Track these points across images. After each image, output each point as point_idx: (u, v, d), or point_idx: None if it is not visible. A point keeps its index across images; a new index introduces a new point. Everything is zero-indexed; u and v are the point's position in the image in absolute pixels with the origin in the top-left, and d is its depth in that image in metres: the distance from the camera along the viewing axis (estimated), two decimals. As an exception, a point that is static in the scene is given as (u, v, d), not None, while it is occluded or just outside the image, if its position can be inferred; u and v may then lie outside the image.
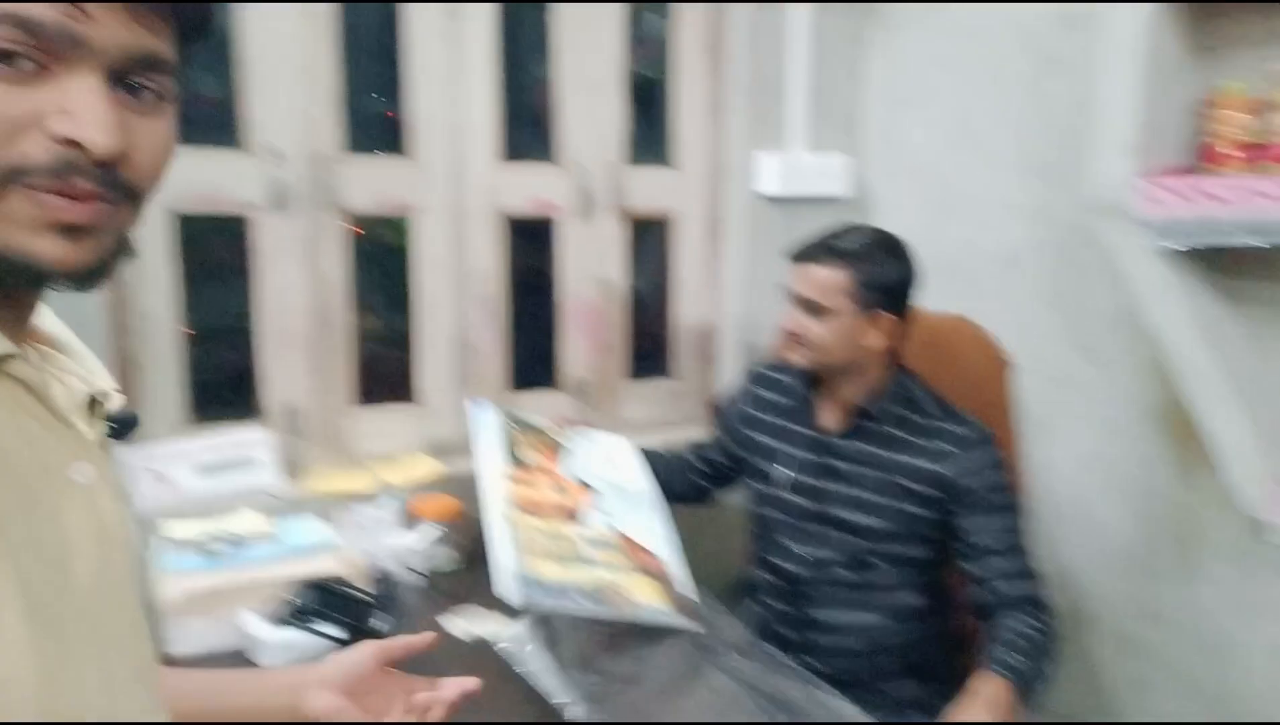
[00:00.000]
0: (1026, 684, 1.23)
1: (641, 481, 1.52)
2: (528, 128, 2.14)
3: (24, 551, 0.52)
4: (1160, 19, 1.65)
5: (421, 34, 1.82)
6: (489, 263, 1.95)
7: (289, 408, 1.78)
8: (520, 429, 1.49)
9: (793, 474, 1.55)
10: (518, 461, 1.40)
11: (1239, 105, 1.65)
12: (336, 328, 1.82)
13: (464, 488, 1.79)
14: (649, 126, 2.25)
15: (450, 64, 1.85)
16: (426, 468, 1.84)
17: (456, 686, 0.91)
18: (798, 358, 1.50)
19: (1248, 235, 1.53)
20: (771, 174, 2.13)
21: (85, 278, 0.53)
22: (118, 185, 0.51)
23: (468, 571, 1.65)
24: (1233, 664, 1.75)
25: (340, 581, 1.42)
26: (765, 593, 1.60)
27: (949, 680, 1.55)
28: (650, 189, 2.14)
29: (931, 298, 1.82)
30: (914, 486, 1.45)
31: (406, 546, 1.60)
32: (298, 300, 1.76)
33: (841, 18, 2.18)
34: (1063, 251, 1.91)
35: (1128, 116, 1.68)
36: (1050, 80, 1.91)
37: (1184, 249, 1.60)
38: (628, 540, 1.35)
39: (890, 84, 2.23)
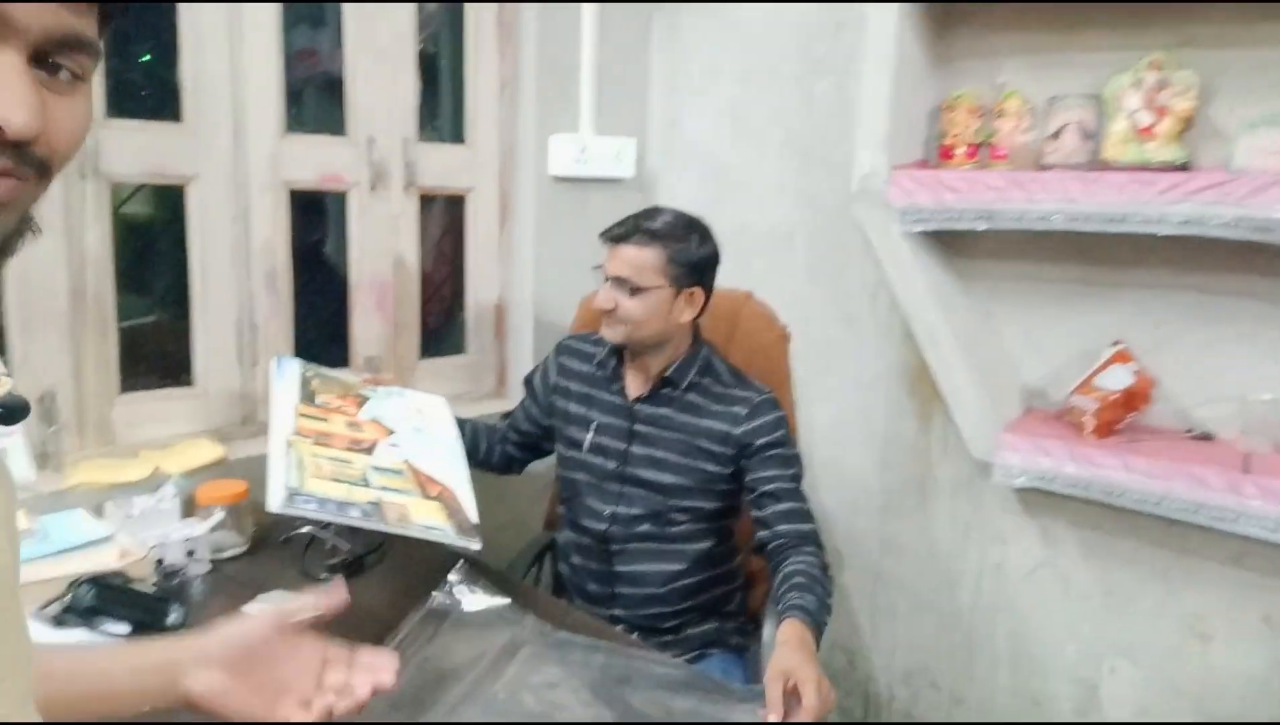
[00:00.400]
0: (819, 620, 1.37)
1: (446, 430, 1.56)
2: (315, 98, 2.06)
3: None
4: (906, 31, 1.88)
5: (192, -11, 1.69)
6: (272, 237, 1.86)
7: (45, 394, 1.61)
8: (322, 380, 1.51)
9: (599, 438, 1.63)
10: (313, 402, 1.43)
11: (969, 110, 1.91)
12: (99, 306, 1.66)
13: (249, 470, 1.71)
14: (441, 103, 2.24)
15: (230, 25, 1.74)
16: (208, 453, 1.73)
17: (371, 680, 0.80)
18: (614, 334, 1.57)
19: (976, 220, 1.78)
20: (562, 155, 2.19)
21: None
22: (31, 161, 0.50)
23: (254, 555, 1.59)
24: (962, 586, 2.04)
25: (119, 575, 1.32)
26: (574, 552, 1.67)
27: (742, 615, 1.70)
28: (442, 166, 2.12)
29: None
30: (710, 446, 1.57)
31: (189, 535, 1.50)
32: (53, 276, 1.59)
33: (630, 9, 2.27)
34: (828, 232, 2.12)
35: (880, 115, 1.90)
36: (818, 79, 2.10)
37: (924, 231, 1.83)
38: (416, 470, 1.41)
39: (674, 74, 2.36)
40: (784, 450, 1.56)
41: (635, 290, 1.52)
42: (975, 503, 1.99)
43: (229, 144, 1.78)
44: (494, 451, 1.77)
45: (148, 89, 1.78)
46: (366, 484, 1.31)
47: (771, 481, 1.53)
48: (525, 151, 2.19)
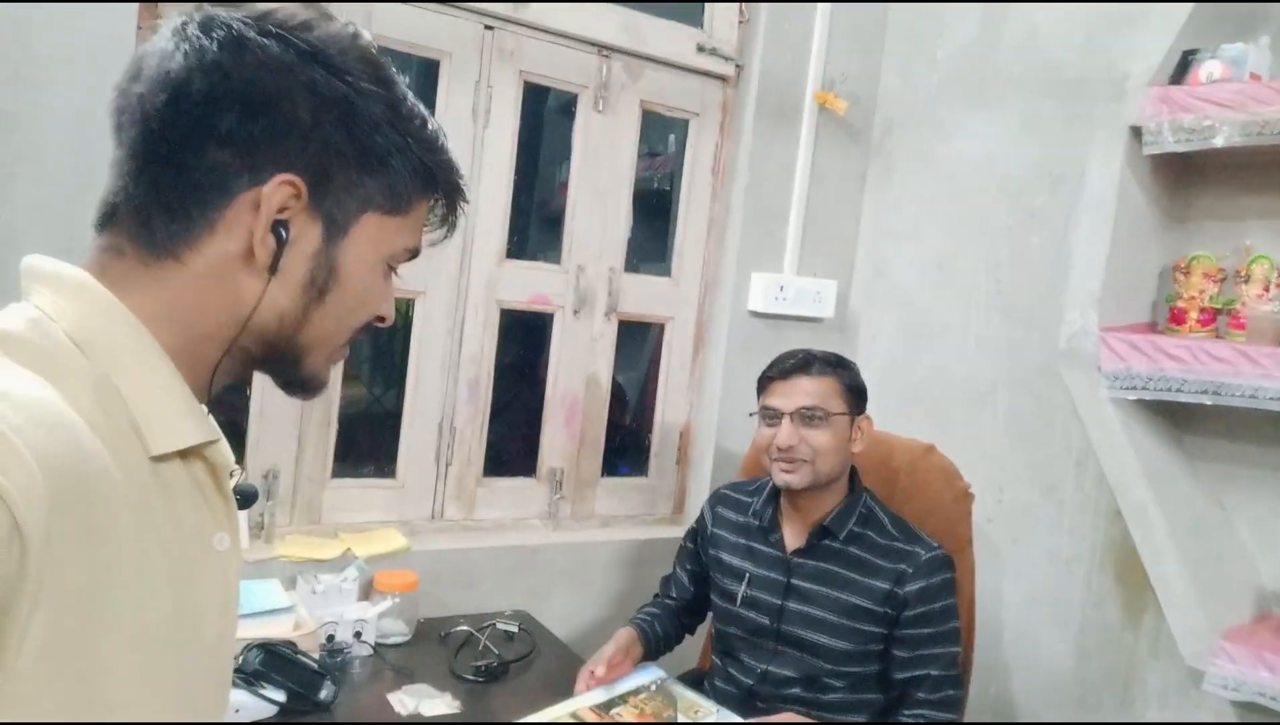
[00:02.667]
0: None
1: None
2: (535, 229, 2.25)
3: (170, 612, 0.60)
4: (1131, 186, 1.77)
5: (449, 132, 1.94)
6: (480, 350, 2.03)
7: (269, 472, 1.83)
8: (654, 695, 1.53)
9: (753, 592, 1.58)
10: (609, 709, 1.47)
11: (1205, 273, 1.75)
12: (325, 399, 1.88)
13: (426, 563, 1.84)
14: (652, 237, 2.37)
15: (472, 163, 1.97)
16: (394, 542, 1.87)
17: None
18: (797, 477, 1.50)
19: (1199, 394, 1.60)
20: (761, 292, 2.23)
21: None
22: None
23: (414, 645, 1.69)
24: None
25: (290, 645, 1.45)
26: (722, 701, 1.61)
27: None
28: (646, 295, 2.24)
29: (903, 424, 1.89)
30: (872, 607, 1.48)
31: (360, 617, 1.63)
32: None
33: (842, 153, 2.32)
34: (1031, 390, 1.98)
35: (1095, 272, 1.78)
36: (1030, 232, 2.02)
37: (1135, 399, 1.67)
38: None
39: (881, 219, 2.36)
40: (946, 620, 1.46)
41: (823, 418, 1.50)
42: (1189, 714, 1.71)
43: (455, 266, 1.98)
44: (678, 629, 1.76)
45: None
46: None
47: (923, 646, 1.44)
48: (725, 285, 2.26)
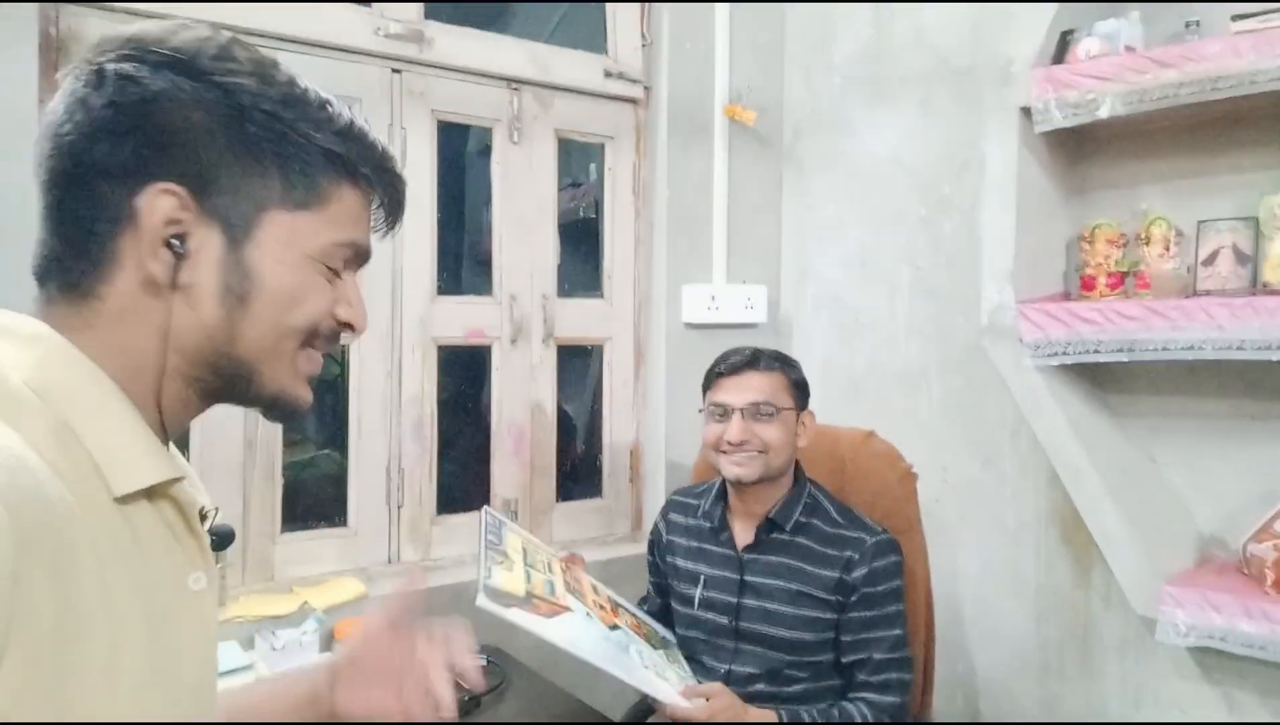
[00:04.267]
0: None
1: None
2: (465, 264, 2.27)
3: (145, 654, 0.59)
4: (1030, 165, 1.85)
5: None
6: (420, 389, 2.03)
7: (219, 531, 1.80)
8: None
9: (708, 593, 1.59)
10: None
11: (1108, 240, 1.83)
12: (267, 454, 1.86)
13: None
14: (581, 261, 2.40)
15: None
16: (351, 589, 1.85)
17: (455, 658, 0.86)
18: (748, 470, 1.52)
19: (1116, 352, 1.67)
20: (694, 304, 2.27)
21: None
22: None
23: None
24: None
25: (255, 703, 1.42)
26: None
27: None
28: (580, 318, 2.26)
29: (845, 415, 1.94)
30: (824, 595, 1.50)
31: (326, 668, 1.60)
32: (230, 427, 1.81)
33: (756, 162, 2.38)
34: (961, 369, 2.05)
35: (1006, 250, 1.85)
36: (943, 219, 2.10)
37: (1064, 365, 1.74)
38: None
39: (801, 222, 2.42)
40: (891, 601, 1.49)
41: (773, 413, 1.52)
42: (1147, 664, 1.76)
43: (387, 307, 1.99)
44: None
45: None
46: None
47: (869, 629, 1.48)
48: (658, 301, 2.29)
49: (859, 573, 1.49)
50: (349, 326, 0.71)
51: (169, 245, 0.62)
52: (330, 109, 0.67)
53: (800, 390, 1.59)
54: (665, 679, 1.42)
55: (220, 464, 1.80)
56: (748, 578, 1.57)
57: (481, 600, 1.21)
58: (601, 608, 1.48)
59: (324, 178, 0.66)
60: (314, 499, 2.02)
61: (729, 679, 1.55)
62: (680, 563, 1.66)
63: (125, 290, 0.63)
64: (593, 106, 2.24)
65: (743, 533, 1.60)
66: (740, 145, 2.34)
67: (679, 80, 2.26)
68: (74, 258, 0.62)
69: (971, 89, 2.02)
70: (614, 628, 1.44)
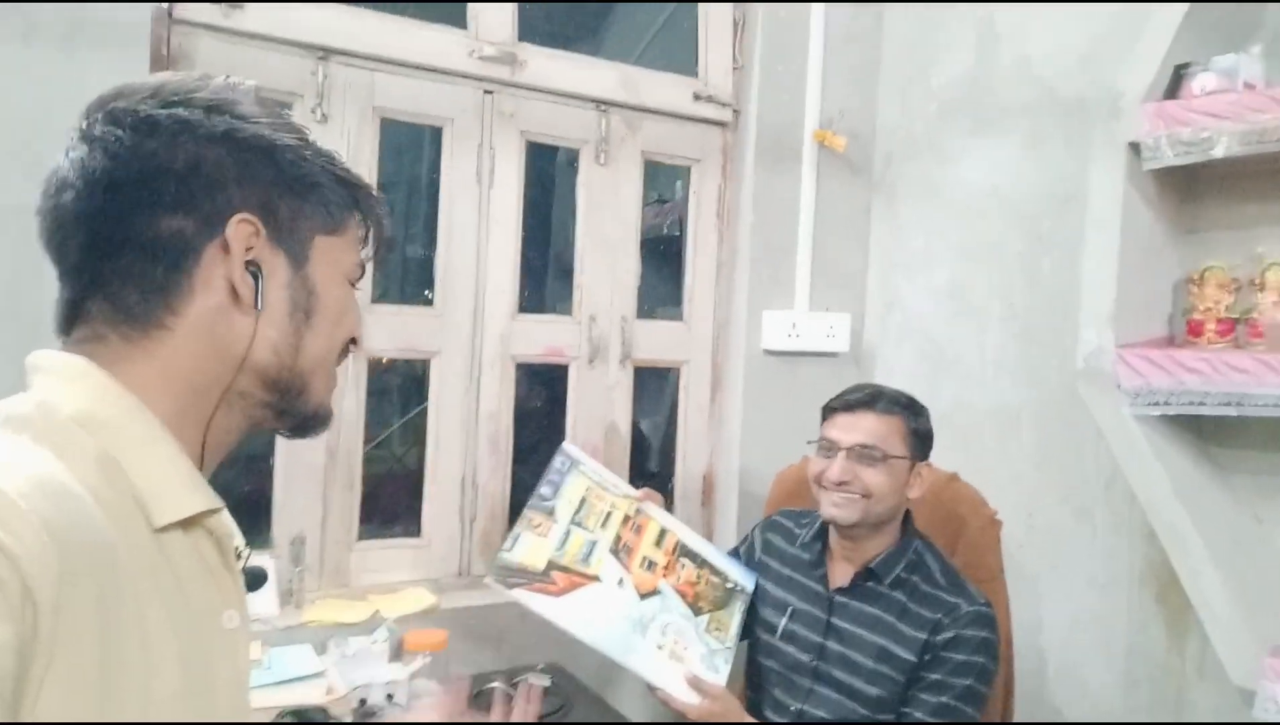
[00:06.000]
0: None
1: None
2: (548, 283, 2.29)
3: (180, 688, 0.60)
4: (1136, 203, 1.76)
5: (453, 198, 1.98)
6: (498, 405, 2.05)
7: (296, 538, 1.85)
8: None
9: (793, 625, 1.55)
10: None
11: (1219, 284, 1.73)
12: (348, 463, 1.91)
13: (456, 620, 1.84)
14: (662, 282, 2.40)
15: (479, 220, 2.01)
16: (422, 601, 1.87)
17: None
18: (845, 512, 1.47)
19: (1223, 406, 1.57)
20: (774, 330, 2.24)
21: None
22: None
23: (450, 705, 1.68)
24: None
25: (321, 711, 1.45)
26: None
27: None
28: (659, 340, 2.25)
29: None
30: (907, 656, 1.44)
31: (391, 679, 1.62)
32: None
33: (845, 188, 2.34)
34: (1055, 413, 1.96)
35: (1107, 290, 1.77)
36: (1041, 255, 2.01)
37: (1160, 415, 1.65)
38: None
39: (890, 251, 2.36)
40: (966, 678, 1.40)
41: (880, 459, 1.46)
42: (1243, 739, 1.65)
43: (469, 324, 2.01)
44: None
45: (408, 278, 2.08)
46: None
47: (933, 692, 1.40)
48: (738, 326, 2.27)
49: (944, 636, 1.42)
50: (354, 343, 0.77)
51: (249, 269, 0.67)
52: (325, 148, 0.74)
53: (919, 439, 1.51)
54: (680, 659, 1.37)
55: (302, 472, 1.85)
56: (835, 620, 1.52)
57: (488, 577, 1.22)
58: (651, 565, 1.44)
59: (342, 205, 0.73)
60: (390, 509, 2.06)
61: (800, 718, 1.51)
62: (770, 587, 1.63)
63: (197, 317, 0.66)
64: (680, 129, 2.24)
65: (838, 573, 1.56)
66: (829, 171, 2.30)
67: (769, 104, 2.24)
68: (139, 294, 0.65)
69: (1078, 122, 1.93)
70: (650, 594, 1.40)
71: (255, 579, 0.75)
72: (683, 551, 1.52)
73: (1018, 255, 2.06)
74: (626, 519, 1.48)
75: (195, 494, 0.65)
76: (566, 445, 1.49)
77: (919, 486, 1.51)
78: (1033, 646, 1.92)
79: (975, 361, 2.13)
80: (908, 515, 1.56)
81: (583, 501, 1.43)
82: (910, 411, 1.52)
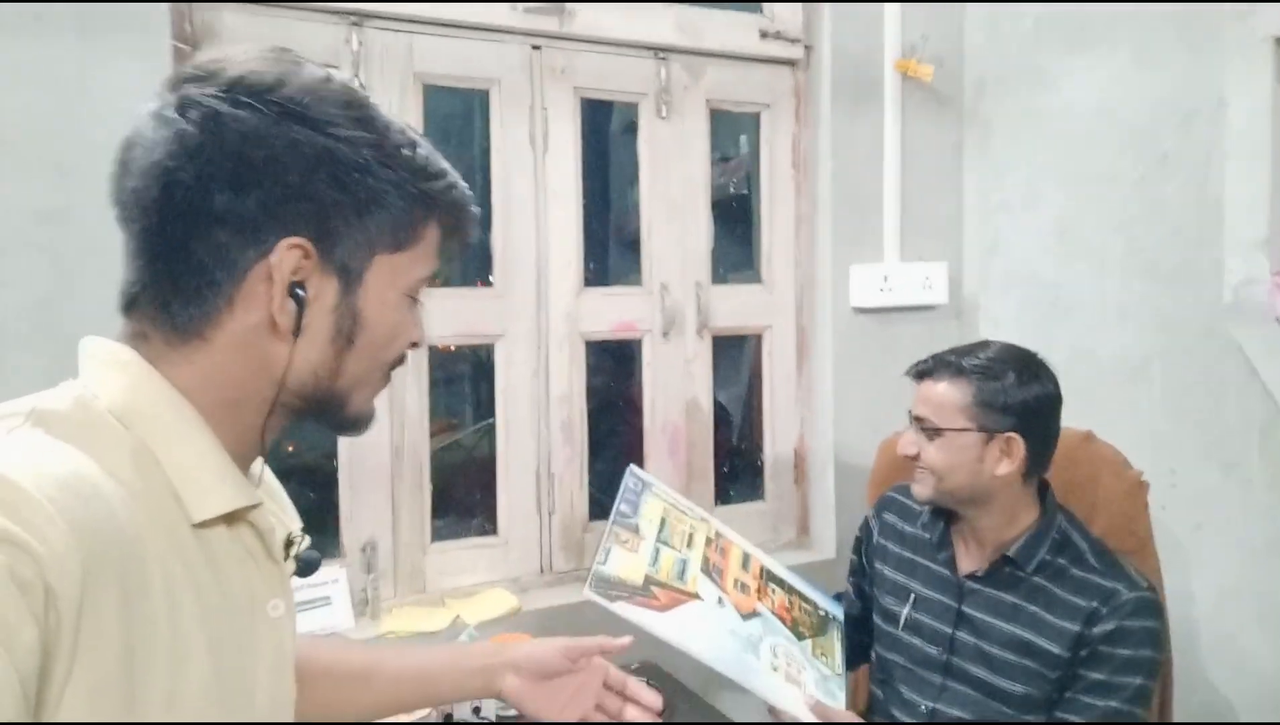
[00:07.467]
0: None
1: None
2: (613, 252, 2.13)
3: (212, 676, 0.61)
4: (1283, 108, 1.53)
5: (507, 166, 1.83)
6: (569, 388, 1.90)
7: (367, 544, 1.73)
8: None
9: (917, 614, 1.39)
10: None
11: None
12: (415, 461, 1.78)
13: (540, 621, 1.71)
14: (735, 243, 2.22)
15: (536, 195, 1.85)
16: (504, 603, 1.75)
17: (638, 711, 1.00)
18: (920, 489, 1.36)
19: None
20: (863, 286, 2.05)
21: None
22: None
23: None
24: None
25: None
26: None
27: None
28: (737, 306, 2.08)
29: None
30: (1058, 651, 1.26)
31: (481, 692, 1.50)
32: (378, 436, 1.74)
33: (934, 124, 2.12)
34: (1193, 357, 1.73)
35: (1259, 212, 1.54)
36: (1163, 180, 1.78)
37: (1337, 353, 1.42)
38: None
39: (987, 190, 2.14)
40: (1115, 676, 1.22)
41: (933, 432, 1.31)
42: None
43: (532, 303, 1.87)
44: (856, 645, 1.53)
45: (463, 260, 1.94)
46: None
47: (1095, 694, 1.21)
48: (823, 284, 2.08)
49: (1102, 628, 1.23)
50: (414, 345, 0.74)
51: (293, 295, 0.64)
52: (417, 150, 0.68)
53: (992, 408, 1.28)
54: (796, 682, 1.22)
55: (368, 474, 1.73)
56: (967, 609, 1.34)
57: (588, 590, 1.13)
58: (744, 588, 1.30)
59: (416, 218, 0.68)
60: (463, 507, 1.94)
61: (933, 717, 1.35)
62: (889, 573, 1.46)
63: (236, 334, 0.64)
64: (747, 72, 2.04)
65: (966, 557, 1.38)
66: (915, 106, 2.09)
67: (844, 36, 2.03)
68: (180, 301, 0.63)
69: (1201, 22, 1.69)
70: (751, 615, 1.26)
71: (308, 565, 0.74)
72: (769, 577, 1.38)
73: (1136, 183, 1.83)
74: (709, 541, 1.33)
75: (232, 490, 0.64)
76: (634, 468, 1.35)
77: (1003, 462, 1.29)
78: (1183, 617, 1.71)
79: (1094, 306, 1.91)
80: (1045, 486, 1.37)
81: (663, 522, 1.29)
82: (983, 377, 1.29)
